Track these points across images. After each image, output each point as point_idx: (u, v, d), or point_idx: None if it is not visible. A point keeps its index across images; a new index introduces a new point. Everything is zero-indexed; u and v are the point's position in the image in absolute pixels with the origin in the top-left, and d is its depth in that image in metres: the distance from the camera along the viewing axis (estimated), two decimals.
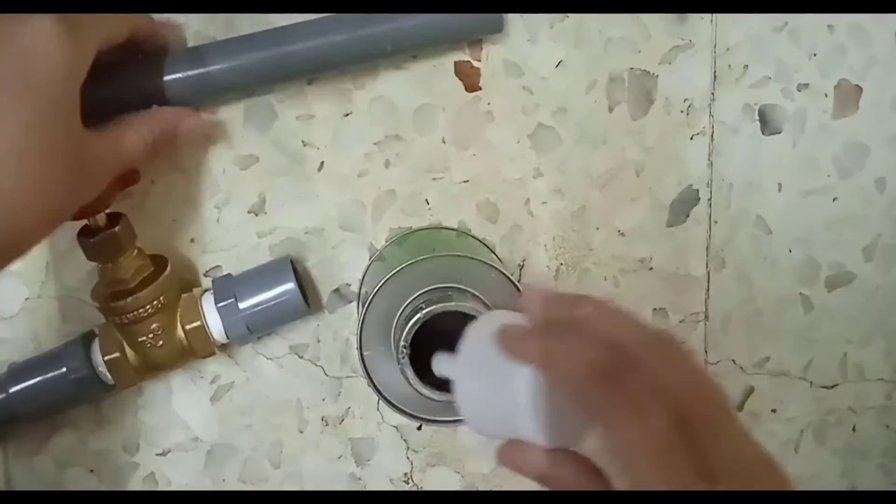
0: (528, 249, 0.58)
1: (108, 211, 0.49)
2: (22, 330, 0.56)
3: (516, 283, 0.49)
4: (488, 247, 0.57)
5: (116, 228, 0.49)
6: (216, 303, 0.53)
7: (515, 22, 0.53)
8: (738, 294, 0.60)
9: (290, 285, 0.53)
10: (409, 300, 0.49)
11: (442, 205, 0.57)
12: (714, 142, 0.56)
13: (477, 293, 0.49)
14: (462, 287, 0.49)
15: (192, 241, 0.56)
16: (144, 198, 0.54)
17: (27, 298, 0.55)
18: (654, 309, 0.60)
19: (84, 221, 0.49)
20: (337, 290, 0.58)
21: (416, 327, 0.46)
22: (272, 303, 0.53)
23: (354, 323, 0.58)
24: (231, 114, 0.54)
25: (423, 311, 0.46)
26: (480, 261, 0.49)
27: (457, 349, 0.41)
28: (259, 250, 0.56)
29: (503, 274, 0.49)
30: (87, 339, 0.53)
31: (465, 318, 0.45)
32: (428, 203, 0.57)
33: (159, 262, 0.53)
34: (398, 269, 0.49)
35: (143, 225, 0.54)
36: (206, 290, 0.54)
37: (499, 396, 0.38)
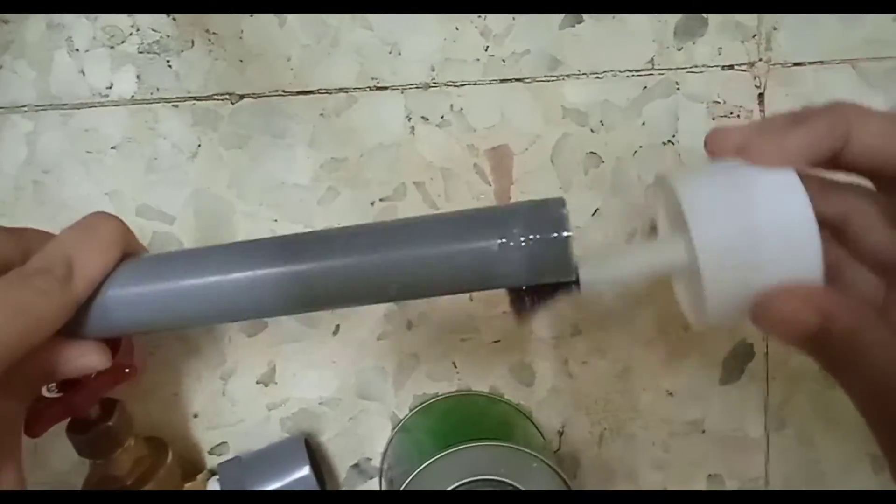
0: (567, 414, 0.52)
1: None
2: None
3: (562, 473, 0.43)
4: (524, 413, 0.51)
5: (111, 421, 0.43)
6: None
7: (548, 168, 0.49)
8: (800, 456, 0.54)
9: (305, 471, 0.47)
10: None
11: (471, 368, 0.51)
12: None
13: (517, 485, 0.43)
14: (500, 479, 0.43)
15: (196, 416, 0.51)
16: (142, 370, 0.49)
17: None
18: (709, 475, 0.54)
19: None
20: (356, 466, 0.52)
21: None
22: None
23: None
24: None
25: None
26: (521, 450, 0.44)
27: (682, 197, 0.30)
28: (269, 424, 0.51)
29: (547, 464, 0.44)
30: None
31: None
32: (455, 366, 0.51)
33: (158, 448, 0.47)
34: (427, 464, 0.43)
35: (141, 401, 0.49)
36: (211, 475, 0.49)
37: (759, 231, 0.29)
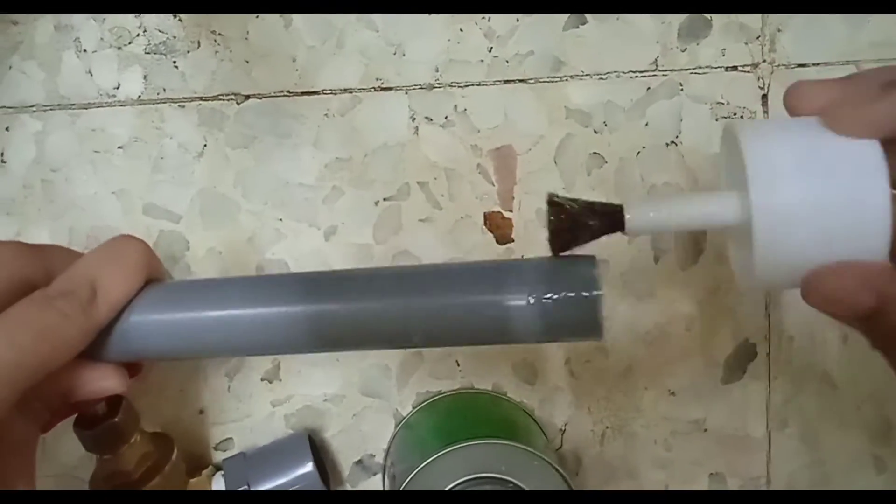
0: (570, 413, 0.52)
1: None
2: None
3: (563, 472, 0.44)
4: (526, 411, 0.51)
5: (117, 418, 0.44)
6: (228, 489, 0.47)
7: (551, 168, 0.49)
8: (803, 456, 0.54)
9: (309, 467, 0.48)
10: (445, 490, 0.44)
11: (474, 366, 0.52)
12: (771, 291, 0.51)
13: (519, 483, 0.44)
14: (502, 477, 0.43)
15: (201, 412, 0.51)
16: (147, 367, 0.50)
17: None
18: (711, 474, 0.54)
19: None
20: (360, 462, 0.52)
21: None
22: (289, 489, 0.48)
23: None
24: (242, 274, 0.50)
25: None
26: (523, 448, 0.44)
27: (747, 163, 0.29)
28: (274, 421, 0.51)
29: (548, 463, 0.44)
30: None
31: None
32: (458, 364, 0.52)
33: (164, 444, 0.48)
34: (429, 461, 0.43)
35: (146, 397, 0.50)
36: (216, 471, 0.49)
37: (828, 205, 0.27)
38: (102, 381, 0.33)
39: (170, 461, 0.46)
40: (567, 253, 0.32)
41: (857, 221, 0.27)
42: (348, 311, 0.32)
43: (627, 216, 0.31)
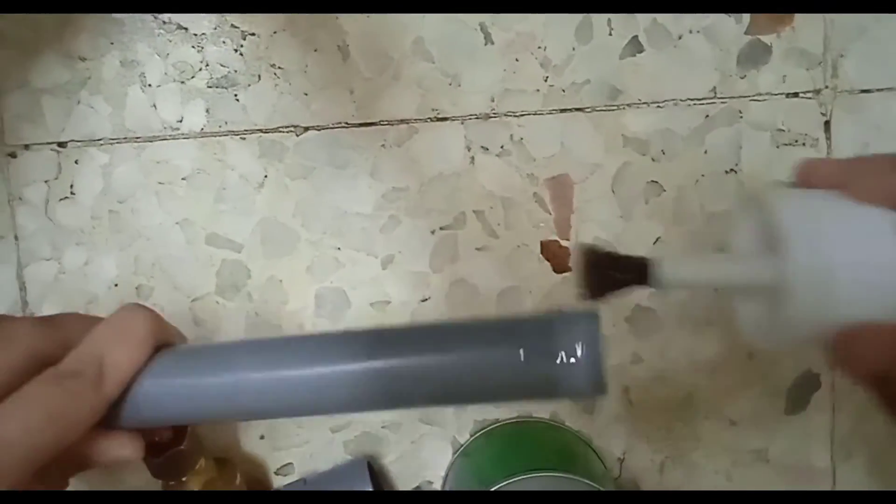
0: (629, 442, 0.52)
1: None
2: None
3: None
4: (585, 440, 0.51)
5: (182, 445, 0.45)
6: None
7: (608, 197, 0.49)
8: (868, 487, 0.53)
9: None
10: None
11: None
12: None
13: None
14: None
15: (262, 437, 0.52)
16: None
17: None
18: None
19: None
20: (418, 489, 0.53)
21: None
22: None
23: None
24: (301, 303, 0.50)
25: None
26: (581, 481, 0.44)
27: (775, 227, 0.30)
28: (333, 447, 0.52)
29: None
30: None
31: None
32: None
33: (228, 470, 0.49)
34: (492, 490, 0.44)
35: (209, 424, 0.51)
36: None
37: (856, 268, 0.29)
38: (118, 449, 0.33)
39: (233, 486, 0.47)
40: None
41: (885, 287, 0.28)
42: (353, 372, 0.31)
43: (656, 271, 0.31)
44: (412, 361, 0.30)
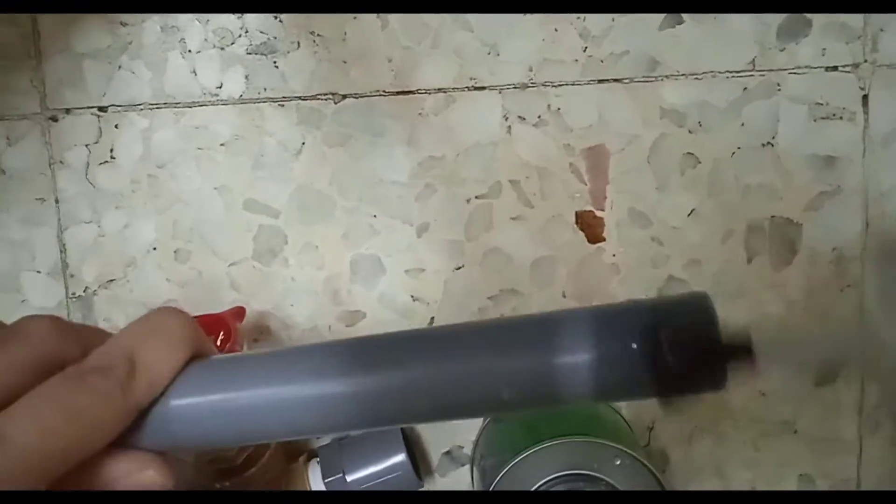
0: (657, 412, 0.53)
1: None
2: None
3: (656, 472, 0.44)
4: (614, 408, 0.52)
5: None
6: (323, 477, 0.49)
7: (644, 168, 0.49)
8: (894, 459, 0.53)
9: (402, 457, 0.49)
10: (535, 487, 0.44)
11: None
12: (867, 294, 0.51)
13: (611, 481, 0.44)
14: (594, 475, 0.44)
15: None
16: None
17: None
18: (800, 475, 0.54)
19: None
20: (448, 453, 0.54)
21: None
22: (383, 478, 0.49)
23: (467, 488, 0.53)
24: (337, 269, 0.51)
25: None
26: (614, 446, 0.45)
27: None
28: None
29: (638, 460, 0.44)
30: None
31: None
32: None
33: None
34: (521, 457, 0.44)
35: None
36: (311, 458, 0.51)
37: None
38: (144, 473, 0.27)
39: (269, 448, 0.48)
40: None
41: None
42: (415, 379, 0.26)
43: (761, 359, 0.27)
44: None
